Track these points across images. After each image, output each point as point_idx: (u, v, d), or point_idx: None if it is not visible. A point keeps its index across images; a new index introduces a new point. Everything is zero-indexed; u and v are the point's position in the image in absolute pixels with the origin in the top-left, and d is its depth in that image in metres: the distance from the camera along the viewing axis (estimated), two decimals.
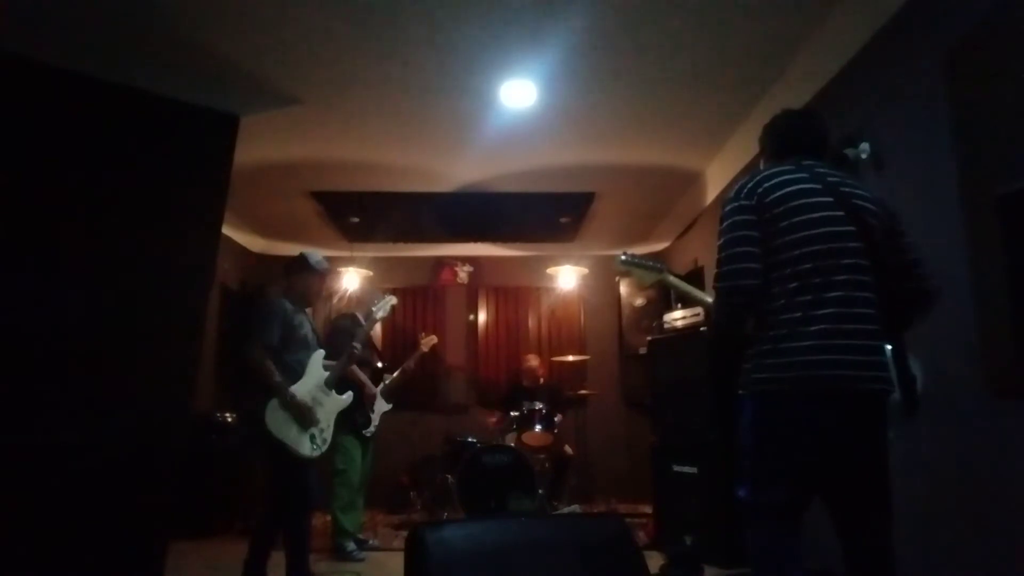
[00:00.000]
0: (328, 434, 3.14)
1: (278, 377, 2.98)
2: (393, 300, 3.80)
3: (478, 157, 4.45)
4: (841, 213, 1.71)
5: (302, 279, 3.24)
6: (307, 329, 3.21)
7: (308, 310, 3.34)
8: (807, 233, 1.68)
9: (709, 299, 1.96)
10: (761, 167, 1.92)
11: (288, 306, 3.15)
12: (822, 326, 1.63)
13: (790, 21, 2.95)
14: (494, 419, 5.43)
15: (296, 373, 3.07)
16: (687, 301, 4.11)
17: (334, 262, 6.32)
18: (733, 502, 1.77)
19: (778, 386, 1.65)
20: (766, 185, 1.74)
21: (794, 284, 1.68)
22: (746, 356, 1.76)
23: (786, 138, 1.93)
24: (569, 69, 3.34)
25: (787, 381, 1.64)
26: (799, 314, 1.65)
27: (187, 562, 3.67)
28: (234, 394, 5.57)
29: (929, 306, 1.81)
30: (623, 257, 2.22)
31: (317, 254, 3.33)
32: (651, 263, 2.20)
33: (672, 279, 2.18)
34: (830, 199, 1.72)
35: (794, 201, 1.71)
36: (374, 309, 3.69)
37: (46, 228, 2.70)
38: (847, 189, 1.76)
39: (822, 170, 1.79)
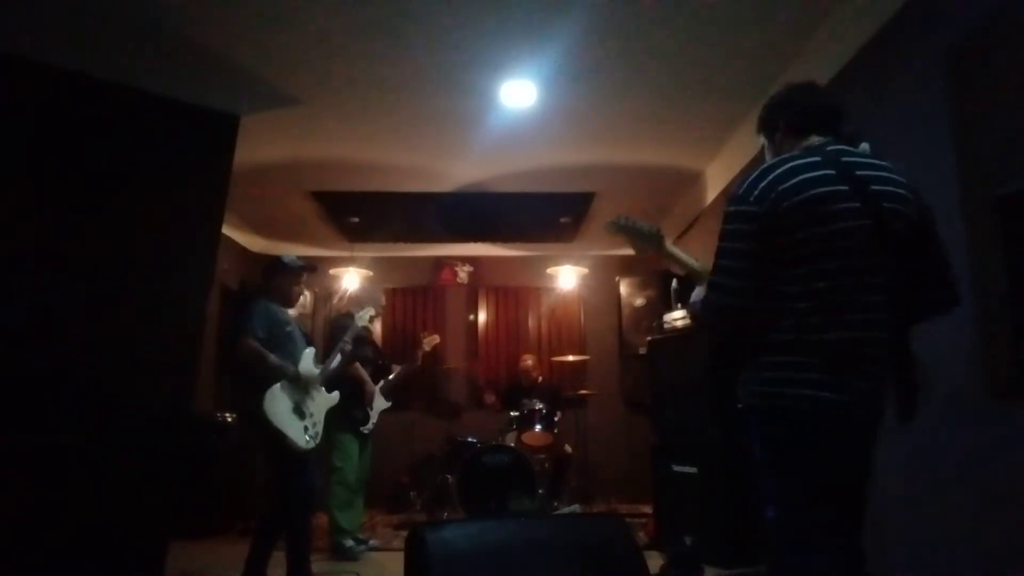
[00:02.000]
0: (320, 427, 3.17)
1: (276, 359, 3.01)
2: (372, 311, 3.89)
3: (478, 157, 4.44)
4: (868, 222, 1.52)
5: (279, 280, 3.26)
6: (294, 327, 3.24)
7: (292, 312, 3.37)
8: (825, 247, 1.51)
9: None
10: (767, 153, 1.77)
11: (272, 306, 3.17)
12: (834, 349, 1.51)
13: (790, 21, 2.95)
14: (492, 399, 5.44)
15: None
16: (688, 298, 4.07)
17: (334, 262, 6.36)
18: (763, 524, 1.63)
19: (781, 403, 1.55)
20: (781, 188, 1.52)
21: (804, 304, 1.53)
22: (750, 366, 1.64)
23: (800, 113, 1.71)
24: (569, 69, 3.34)
25: (792, 399, 1.54)
26: (808, 336, 1.53)
27: (187, 562, 3.67)
28: (234, 394, 5.58)
29: (949, 312, 1.68)
30: (615, 220, 1.96)
31: (291, 255, 3.37)
32: (647, 229, 1.95)
33: (669, 247, 1.94)
34: (856, 204, 1.51)
35: (815, 209, 1.50)
36: (356, 317, 3.76)
37: (46, 228, 2.71)
38: (877, 187, 1.55)
39: (849, 159, 1.58)
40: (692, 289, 1.92)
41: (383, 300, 4.53)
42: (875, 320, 1.53)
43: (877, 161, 1.61)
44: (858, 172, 1.55)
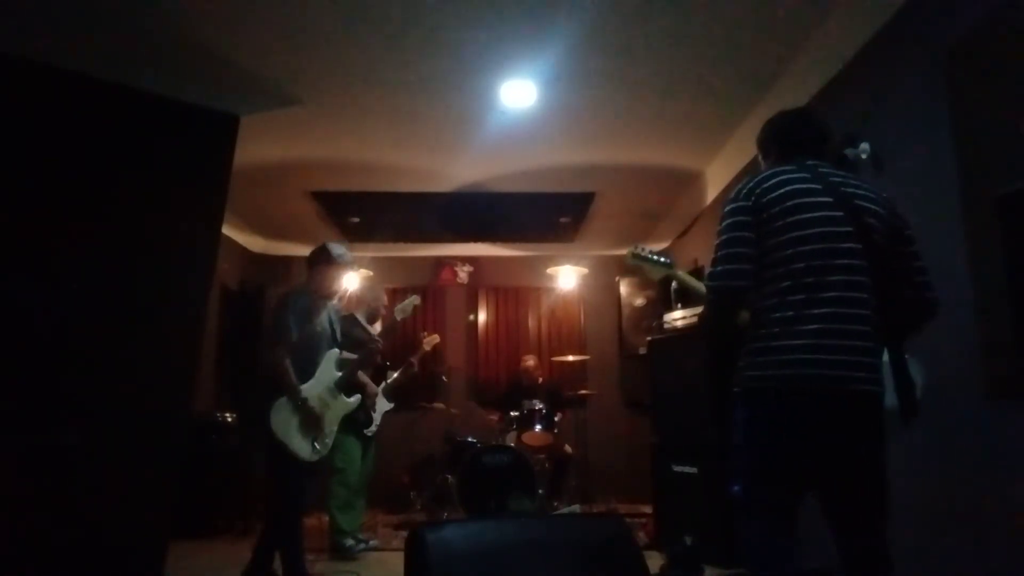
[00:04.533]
0: (330, 439, 3.11)
1: (294, 379, 2.96)
2: (416, 300, 3.71)
3: (478, 157, 4.44)
4: (840, 213, 1.70)
5: (324, 271, 3.18)
6: (325, 325, 3.16)
7: (332, 303, 3.29)
8: (802, 233, 1.68)
9: None
10: (762, 168, 1.91)
11: (308, 300, 3.11)
12: (815, 325, 1.63)
13: (790, 21, 2.95)
14: (495, 418, 5.44)
15: (307, 373, 3.05)
16: (689, 298, 4.11)
17: None
18: (727, 498, 1.77)
19: (770, 384, 1.66)
20: (765, 185, 1.74)
21: (787, 283, 1.68)
22: (740, 354, 1.76)
23: (787, 138, 1.91)
24: (569, 69, 3.34)
25: (779, 380, 1.65)
26: (792, 313, 1.66)
27: (187, 562, 3.67)
28: (235, 394, 5.57)
29: (927, 317, 1.80)
30: (634, 251, 2.23)
31: (340, 247, 3.26)
32: (660, 259, 2.22)
33: (681, 274, 2.20)
34: (829, 199, 1.71)
35: (791, 201, 1.70)
36: (397, 309, 3.62)
37: (46, 228, 2.70)
38: (849, 189, 1.74)
39: (825, 170, 1.78)
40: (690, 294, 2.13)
41: (385, 300, 4.51)
42: (857, 298, 1.67)
43: (851, 176, 1.82)
44: (831, 179, 1.76)
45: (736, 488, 1.72)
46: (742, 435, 1.73)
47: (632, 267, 2.27)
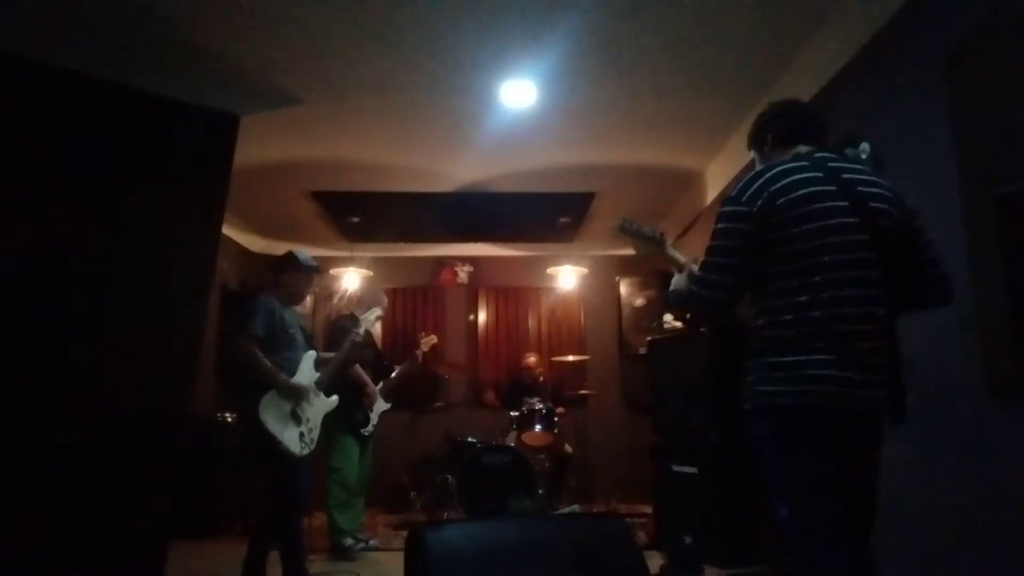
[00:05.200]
0: (316, 434, 3.15)
1: (268, 365, 2.98)
2: (379, 311, 3.76)
3: (478, 157, 4.45)
4: (856, 220, 1.59)
5: (290, 278, 3.22)
6: (297, 329, 3.20)
7: (298, 310, 3.34)
8: (819, 243, 1.57)
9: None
10: (757, 164, 1.82)
11: (276, 304, 3.13)
12: (837, 342, 1.55)
13: (790, 21, 2.96)
14: (491, 397, 5.45)
15: (287, 371, 3.06)
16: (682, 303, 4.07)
17: (334, 262, 6.36)
18: (773, 523, 1.64)
19: (789, 401, 1.57)
20: (773, 188, 1.60)
21: (804, 298, 1.57)
22: (751, 367, 1.66)
23: (787, 126, 1.81)
24: (569, 69, 3.34)
25: (798, 396, 1.56)
26: (808, 330, 1.56)
27: (187, 562, 3.67)
28: (233, 394, 5.57)
29: (942, 304, 1.74)
30: (620, 223, 2.03)
31: (305, 252, 3.31)
32: (649, 232, 2.03)
33: (672, 252, 1.98)
34: (845, 203, 1.59)
35: (806, 206, 1.58)
36: (362, 319, 3.64)
37: (46, 228, 2.70)
38: (862, 188, 1.62)
39: (835, 164, 1.65)
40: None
41: (386, 301, 4.51)
42: (873, 313, 1.58)
43: (861, 167, 1.70)
44: (844, 176, 1.63)
45: (783, 511, 1.59)
46: (773, 453, 1.62)
47: (619, 237, 2.04)
